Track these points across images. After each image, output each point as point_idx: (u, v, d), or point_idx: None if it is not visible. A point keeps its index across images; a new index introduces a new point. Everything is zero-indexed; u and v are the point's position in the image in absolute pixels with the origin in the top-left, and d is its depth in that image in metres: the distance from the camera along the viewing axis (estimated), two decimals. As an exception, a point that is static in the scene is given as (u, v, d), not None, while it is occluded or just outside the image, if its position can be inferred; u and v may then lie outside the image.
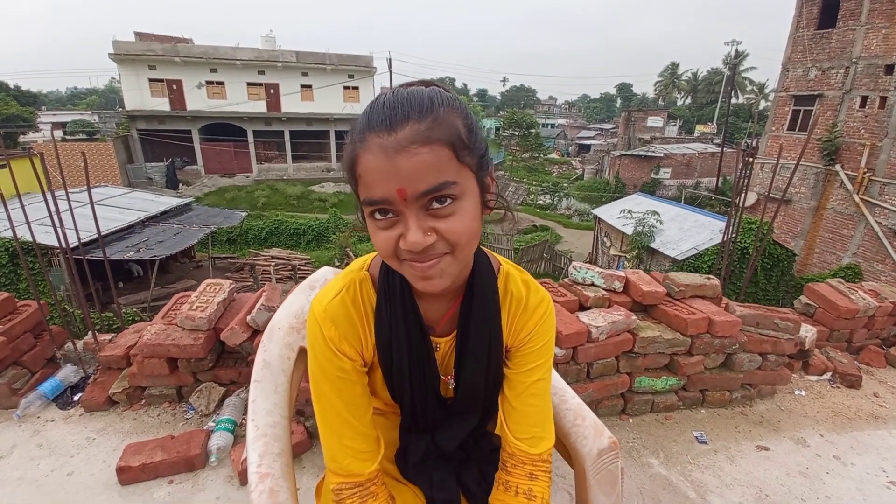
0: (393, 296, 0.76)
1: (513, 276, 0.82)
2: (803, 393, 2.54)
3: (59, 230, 2.30)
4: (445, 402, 0.88)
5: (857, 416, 2.40)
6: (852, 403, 2.50)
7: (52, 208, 2.28)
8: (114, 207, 11.65)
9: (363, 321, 0.78)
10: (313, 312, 0.76)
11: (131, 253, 9.65)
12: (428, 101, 0.59)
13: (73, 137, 25.34)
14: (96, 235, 2.77)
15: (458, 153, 0.59)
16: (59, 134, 28.25)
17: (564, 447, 1.00)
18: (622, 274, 2.44)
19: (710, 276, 2.49)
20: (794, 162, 3.38)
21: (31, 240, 2.39)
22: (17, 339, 2.20)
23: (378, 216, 0.61)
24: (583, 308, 2.33)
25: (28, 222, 2.41)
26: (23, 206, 2.28)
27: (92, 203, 2.49)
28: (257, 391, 0.98)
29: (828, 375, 2.68)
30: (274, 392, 0.99)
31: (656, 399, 2.28)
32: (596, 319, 2.14)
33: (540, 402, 0.82)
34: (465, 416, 0.87)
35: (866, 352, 2.94)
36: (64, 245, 2.32)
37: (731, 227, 3.08)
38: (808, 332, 2.61)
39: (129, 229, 10.73)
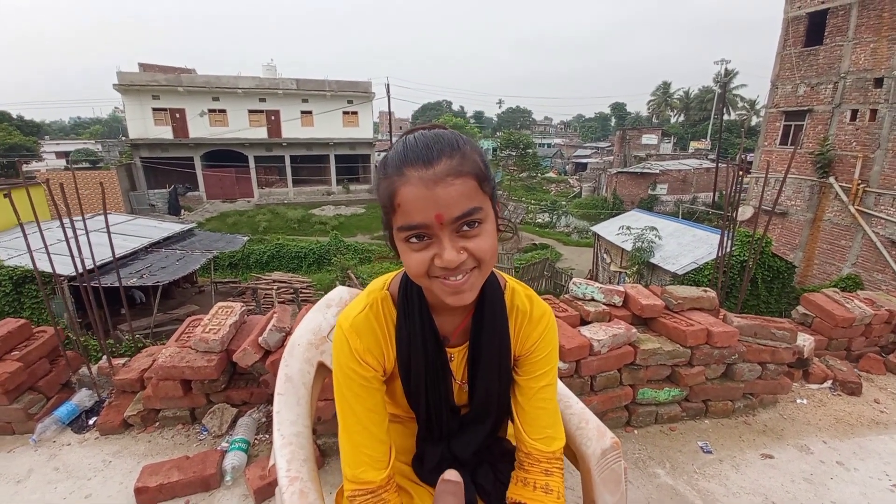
0: (412, 311, 0.85)
1: (518, 292, 0.91)
2: (805, 401, 2.57)
3: (75, 258, 2.38)
4: (458, 412, 0.94)
5: (859, 422, 2.44)
6: (853, 410, 2.53)
7: (60, 236, 2.37)
8: (117, 234, 11.73)
9: (385, 334, 0.86)
10: (340, 327, 0.85)
11: (135, 279, 9.72)
12: (454, 141, 0.70)
13: (76, 166, 25.65)
14: (100, 262, 2.85)
15: (481, 184, 0.70)
16: (62, 163, 28.60)
17: (571, 450, 1.06)
18: (621, 289, 2.51)
19: (707, 289, 2.56)
20: (790, 176, 3.48)
21: (35, 268, 2.46)
22: (33, 364, 2.25)
23: (414, 240, 0.70)
24: (584, 322, 2.39)
25: (46, 249, 2.49)
26: (41, 233, 2.36)
27: (109, 231, 2.58)
28: (281, 403, 1.05)
29: (828, 383, 2.72)
30: (297, 404, 1.05)
31: (660, 410, 2.32)
32: (597, 333, 2.19)
33: (549, 406, 0.90)
34: (479, 425, 0.93)
35: (865, 359, 2.98)
36: (81, 270, 2.38)
37: (725, 241, 3.17)
38: (805, 341, 2.66)
39: (132, 256, 10.82)
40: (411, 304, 0.85)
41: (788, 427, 2.36)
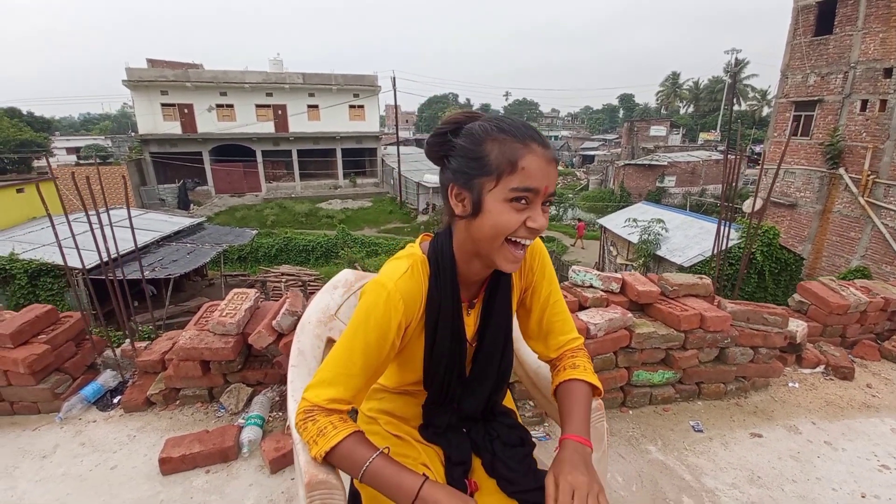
0: (444, 278, 0.92)
1: None
2: (797, 385, 2.65)
3: (101, 250, 2.51)
4: (464, 375, 1.04)
5: (850, 405, 2.51)
6: (845, 394, 2.61)
7: (77, 229, 2.48)
8: (129, 228, 11.96)
9: (419, 298, 0.92)
10: (384, 286, 0.87)
11: (147, 272, 9.93)
12: None
13: (86, 162, 25.99)
14: (117, 255, 2.97)
15: None
16: (72, 158, 28.96)
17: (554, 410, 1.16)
18: (619, 276, 2.60)
19: (702, 276, 2.64)
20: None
21: (51, 262, 2.57)
22: (59, 347, 2.38)
23: (521, 202, 0.82)
24: (582, 308, 2.48)
25: (58, 243, 2.59)
26: (71, 225, 2.49)
27: (132, 224, 2.71)
28: (294, 374, 1.17)
29: (821, 368, 2.79)
30: (308, 374, 1.16)
31: (654, 392, 2.41)
32: (594, 317, 2.29)
33: (563, 315, 1.07)
34: (481, 384, 1.04)
35: (860, 346, 3.05)
36: (104, 260, 2.51)
37: (722, 230, 3.24)
38: (798, 326, 2.73)
39: (144, 249, 11.03)
40: (444, 270, 0.92)
41: (779, 408, 2.45)
